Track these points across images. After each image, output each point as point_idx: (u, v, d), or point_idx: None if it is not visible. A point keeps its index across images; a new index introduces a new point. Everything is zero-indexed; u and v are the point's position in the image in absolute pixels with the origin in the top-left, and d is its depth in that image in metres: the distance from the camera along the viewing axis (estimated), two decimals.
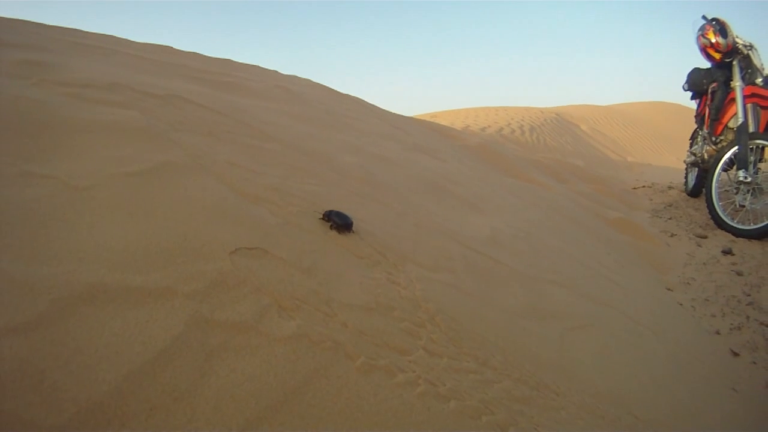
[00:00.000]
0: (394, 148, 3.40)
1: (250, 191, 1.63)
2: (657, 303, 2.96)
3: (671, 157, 13.98)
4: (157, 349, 0.91)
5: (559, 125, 13.23)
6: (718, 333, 2.86)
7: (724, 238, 4.43)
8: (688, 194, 5.90)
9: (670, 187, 6.51)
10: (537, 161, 6.25)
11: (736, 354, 2.65)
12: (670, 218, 5.23)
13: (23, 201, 1.16)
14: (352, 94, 5.74)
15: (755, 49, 4.94)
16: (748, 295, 3.32)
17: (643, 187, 6.86)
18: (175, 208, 1.34)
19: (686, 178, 6.09)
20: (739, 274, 3.70)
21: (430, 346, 1.27)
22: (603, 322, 2.12)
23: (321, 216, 1.66)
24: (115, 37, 4.18)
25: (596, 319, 2.11)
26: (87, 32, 4.16)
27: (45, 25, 3.86)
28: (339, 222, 1.64)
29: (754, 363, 2.57)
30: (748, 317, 3.03)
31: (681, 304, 3.20)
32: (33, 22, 3.90)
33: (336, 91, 5.42)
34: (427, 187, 2.73)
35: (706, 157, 5.25)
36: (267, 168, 1.91)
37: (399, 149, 3.45)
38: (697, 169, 5.67)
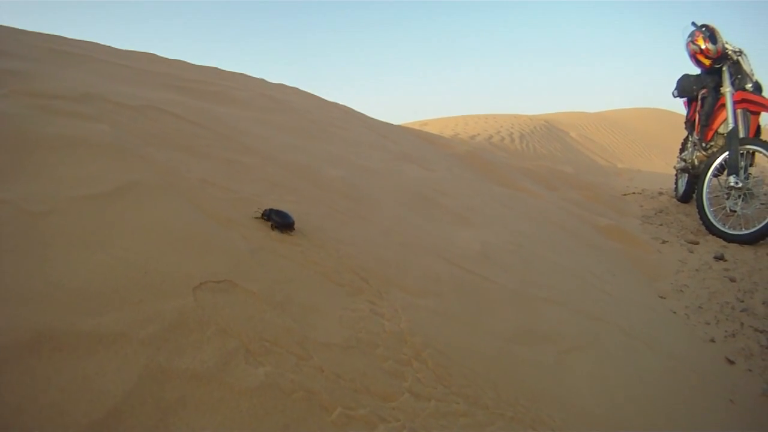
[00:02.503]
0: (381, 158, 3.31)
1: (222, 213, 1.52)
2: (650, 312, 2.90)
3: (661, 162, 14.01)
4: (106, 408, 0.80)
5: (549, 132, 13.22)
6: (713, 341, 2.80)
7: (716, 244, 4.39)
8: (679, 200, 5.88)
9: (660, 193, 6.48)
10: (527, 169, 6.18)
11: (731, 362, 2.60)
12: (661, 224, 5.19)
13: None
14: (341, 103, 5.66)
15: (745, 55, 4.94)
16: (742, 301, 3.28)
17: (633, 193, 6.82)
18: (138, 236, 1.24)
19: (676, 183, 6.06)
20: (732, 280, 3.65)
21: (416, 388, 1.17)
22: (597, 340, 2.04)
23: (260, 215, 1.58)
24: (96, 44, 4.07)
25: (590, 337, 2.02)
26: (68, 39, 4.05)
27: (25, 31, 3.76)
28: (279, 221, 1.57)
29: (750, 371, 2.52)
30: (742, 324, 2.98)
31: (674, 312, 3.14)
32: (12, 28, 3.80)
33: (323, 100, 5.33)
34: (414, 199, 2.64)
35: (696, 163, 5.22)
36: (243, 185, 1.80)
37: (386, 159, 3.36)
38: (687, 174, 5.65)
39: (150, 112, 2.18)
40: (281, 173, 2.10)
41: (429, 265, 1.85)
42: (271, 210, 1.59)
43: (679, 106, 5.85)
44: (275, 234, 1.54)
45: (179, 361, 0.94)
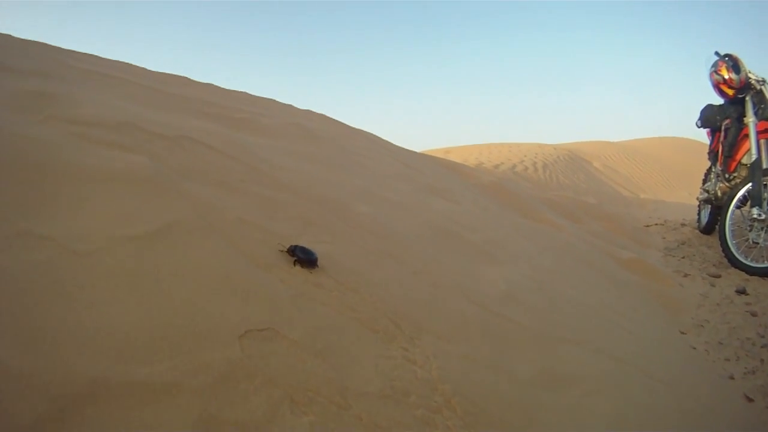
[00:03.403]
0: (407, 191, 3.38)
1: (261, 256, 1.58)
2: (670, 350, 2.89)
3: (683, 192, 13.86)
4: None
5: (572, 162, 13.22)
6: (732, 378, 2.77)
7: (737, 277, 4.35)
8: (701, 231, 5.82)
9: (683, 224, 6.43)
10: (550, 200, 6.21)
11: (750, 399, 2.58)
12: (683, 257, 5.16)
13: (20, 269, 1.10)
14: (365, 129, 5.74)
15: None
16: (763, 337, 3.24)
17: (656, 224, 6.77)
18: (182, 280, 1.28)
19: (699, 215, 6.02)
20: (754, 314, 3.62)
21: None
22: (617, 382, 2.07)
23: (285, 249, 1.64)
24: (131, 65, 4.21)
25: (610, 379, 2.05)
26: (103, 59, 4.18)
27: (60, 49, 3.88)
28: (303, 257, 1.62)
29: None
30: (762, 360, 2.94)
31: (695, 348, 3.13)
32: (49, 46, 3.92)
33: (349, 127, 5.43)
34: (440, 236, 2.69)
35: (719, 194, 5.18)
36: (278, 223, 1.87)
37: (411, 191, 3.42)
38: (710, 206, 5.59)
39: (184, 143, 2.25)
40: (313, 210, 2.16)
41: (457, 308, 1.90)
42: (296, 246, 1.65)
43: (703, 135, 5.81)
44: (313, 278, 1.59)
45: (230, 411, 0.99)
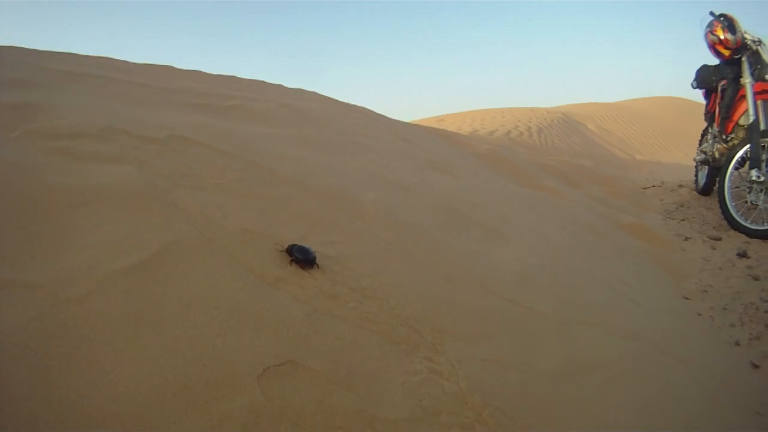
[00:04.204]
0: (409, 169, 3.30)
1: (269, 270, 1.49)
2: (677, 319, 2.89)
3: (679, 153, 13.87)
4: None
5: (567, 125, 13.16)
6: (737, 344, 2.80)
7: (738, 240, 4.37)
8: (699, 192, 5.82)
9: (680, 186, 6.43)
10: (547, 165, 6.15)
11: (756, 366, 2.61)
12: (683, 219, 5.16)
13: (10, 328, 1.01)
14: (358, 101, 5.65)
15: (764, 44, 4.82)
16: (766, 302, 3.26)
17: (654, 186, 6.77)
18: (186, 315, 1.18)
19: (696, 176, 6.00)
20: (756, 278, 3.64)
21: None
22: (635, 363, 2.05)
23: (283, 249, 1.60)
24: (112, 59, 4.06)
25: (628, 361, 2.02)
26: (82, 56, 4.02)
27: (38, 52, 3.75)
28: (301, 257, 1.58)
29: None
30: (766, 325, 2.97)
31: (700, 315, 3.15)
32: (26, 49, 3.78)
33: (343, 104, 5.31)
34: (448, 217, 2.62)
35: (717, 155, 5.17)
36: (284, 227, 1.78)
37: (413, 169, 3.35)
38: (707, 167, 5.58)
39: (175, 143, 2.13)
40: (319, 205, 2.07)
41: (475, 302, 1.85)
42: (293, 246, 1.60)
43: (698, 95, 5.76)
44: (327, 288, 1.52)
45: None
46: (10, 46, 3.80)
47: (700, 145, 5.83)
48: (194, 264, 1.36)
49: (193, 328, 1.16)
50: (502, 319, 1.83)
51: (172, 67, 4.42)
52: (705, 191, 5.72)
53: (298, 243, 1.63)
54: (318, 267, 1.61)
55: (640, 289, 3.06)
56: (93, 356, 1.02)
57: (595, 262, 3.13)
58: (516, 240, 2.74)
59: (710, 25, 5.05)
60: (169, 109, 2.80)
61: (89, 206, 1.46)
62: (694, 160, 5.85)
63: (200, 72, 4.46)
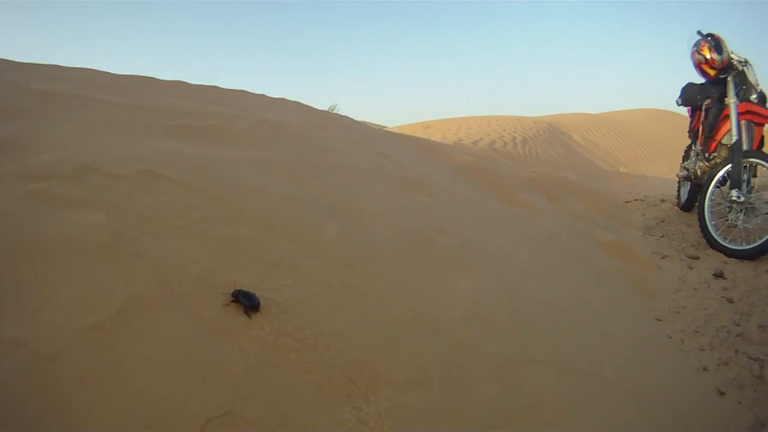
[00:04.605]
0: (381, 192, 3.34)
1: (221, 321, 1.57)
2: (643, 346, 2.92)
3: (663, 166, 13.88)
4: None
5: (552, 136, 13.16)
6: (705, 369, 2.84)
7: (716, 259, 4.42)
8: (681, 208, 5.90)
9: (662, 201, 6.49)
10: (529, 178, 6.19)
11: (722, 393, 2.63)
12: (662, 236, 5.21)
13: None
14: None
15: (750, 65, 4.89)
16: (738, 325, 3.31)
17: (636, 200, 6.83)
18: (146, 370, 1.29)
19: (679, 191, 6.07)
20: (730, 300, 3.68)
21: None
22: (580, 404, 2.08)
23: (231, 298, 1.67)
24: (94, 71, 4.09)
25: (571, 403, 2.06)
26: (65, 68, 4.06)
27: (20, 65, 3.76)
28: (247, 303, 1.66)
29: (740, 402, 2.55)
30: (736, 351, 3.01)
31: (670, 337, 3.18)
32: (8, 62, 3.80)
33: (323, 113, 5.33)
34: (412, 246, 2.68)
35: (699, 173, 5.24)
36: (242, 272, 1.85)
37: (385, 191, 3.38)
38: (689, 183, 5.65)
39: (144, 180, 2.20)
40: (278, 245, 2.13)
41: (419, 345, 1.91)
42: (239, 291, 1.68)
43: (684, 109, 5.82)
44: (272, 340, 1.59)
45: None
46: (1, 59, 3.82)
47: (683, 161, 5.89)
48: (154, 318, 1.46)
49: (150, 383, 1.27)
50: (443, 363, 1.89)
51: (153, 78, 4.44)
52: (686, 207, 5.78)
53: (245, 289, 1.71)
54: (259, 311, 1.69)
55: (608, 314, 3.08)
56: (68, 409, 1.14)
57: (563, 287, 3.16)
58: (478, 269, 2.77)
59: (697, 44, 5.10)
60: (144, 133, 2.85)
61: (61, 259, 1.54)
62: (677, 175, 5.92)
63: (182, 83, 4.48)
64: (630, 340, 2.93)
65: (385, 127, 8.75)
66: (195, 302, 1.60)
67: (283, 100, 5.10)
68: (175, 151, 2.67)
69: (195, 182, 2.35)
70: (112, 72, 4.38)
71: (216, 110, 3.75)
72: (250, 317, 1.64)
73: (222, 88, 4.72)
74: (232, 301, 1.66)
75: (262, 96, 4.97)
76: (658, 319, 3.47)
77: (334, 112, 6.51)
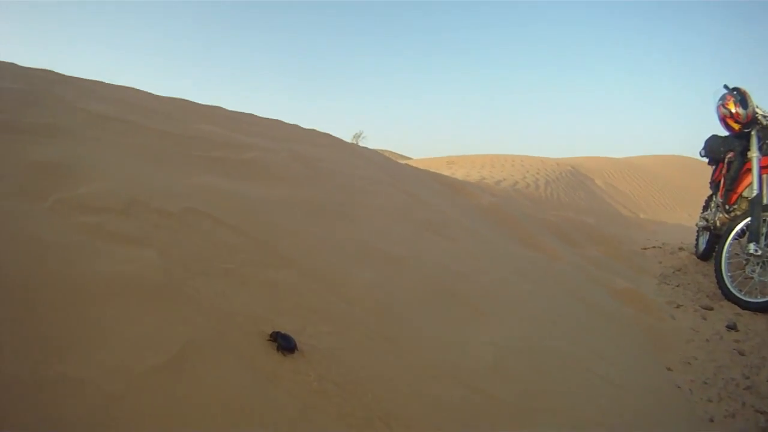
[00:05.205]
0: (406, 236, 3.47)
1: (269, 365, 1.68)
2: (653, 395, 2.95)
3: (683, 213, 13.78)
4: None
5: (574, 179, 13.17)
6: (711, 420, 2.88)
7: (730, 310, 4.45)
8: (699, 257, 5.91)
9: (680, 249, 6.50)
10: (548, 221, 6.27)
11: None
12: (677, 285, 5.25)
13: (69, 424, 1.18)
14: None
15: None
16: (747, 378, 3.35)
17: (653, 248, 6.85)
18: (206, 411, 1.38)
19: (697, 240, 6.08)
20: (741, 353, 3.72)
21: None
22: None
23: (269, 337, 1.80)
24: (136, 92, 4.25)
25: None
26: (111, 86, 4.22)
27: (66, 78, 3.90)
28: (285, 345, 1.77)
29: None
30: (744, 403, 3.06)
31: (679, 387, 3.22)
32: (55, 74, 3.97)
33: (353, 148, 5.48)
34: (435, 294, 2.80)
35: (718, 224, 5.26)
36: (286, 318, 1.97)
37: (410, 234, 3.51)
38: (708, 233, 5.68)
39: (189, 218, 2.33)
40: (316, 290, 2.26)
41: (444, 393, 2.02)
42: (278, 333, 1.80)
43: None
44: (317, 386, 1.71)
45: None
46: (37, 69, 3.98)
47: (703, 211, 5.90)
48: (209, 363, 1.55)
49: (209, 426, 1.35)
50: (465, 411, 1.99)
51: (192, 102, 4.60)
52: (704, 257, 5.80)
53: (286, 332, 1.84)
54: (297, 350, 1.81)
55: (619, 363, 3.15)
56: None
57: (576, 338, 3.24)
58: (497, 319, 2.89)
59: (723, 98, 5.13)
60: (187, 166, 3.00)
61: (119, 298, 1.63)
62: (696, 225, 5.93)
63: (219, 108, 4.65)
64: (640, 390, 2.99)
65: (410, 158, 8.88)
66: (244, 347, 1.71)
67: (315, 131, 5.25)
68: (216, 188, 2.82)
69: (238, 222, 2.49)
70: (154, 93, 4.55)
71: (251, 142, 3.93)
72: (284, 356, 1.76)
73: (256, 116, 4.87)
74: (269, 340, 1.79)
75: (295, 126, 5.13)
76: (669, 369, 3.51)
77: (360, 138, 6.66)
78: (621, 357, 3.29)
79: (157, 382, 1.39)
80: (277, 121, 5.07)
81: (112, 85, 4.40)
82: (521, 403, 2.23)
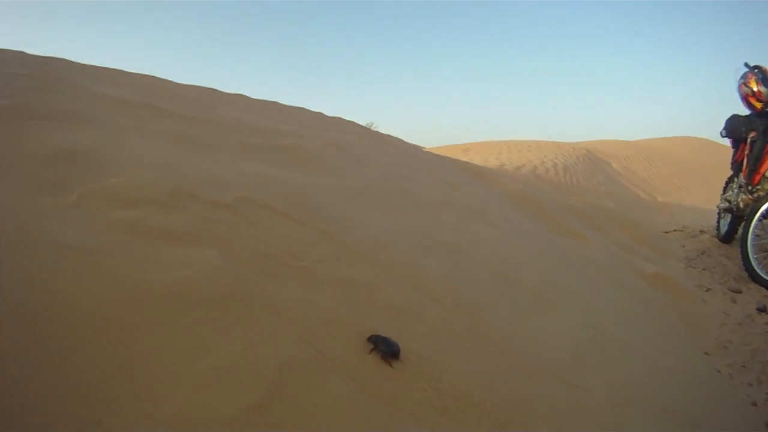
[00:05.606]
0: (455, 224, 3.37)
1: (380, 383, 1.48)
2: (696, 379, 2.95)
3: (700, 196, 13.81)
4: None
5: (591, 163, 13.17)
6: (754, 404, 2.87)
7: (758, 293, 4.44)
8: (721, 240, 5.85)
9: (701, 232, 6.47)
10: (573, 207, 6.24)
11: None
12: (703, 268, 5.22)
13: None
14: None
15: None
16: None
17: (675, 231, 6.85)
18: None
19: (718, 223, 6.04)
20: None
21: None
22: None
23: (370, 345, 1.57)
24: (156, 79, 4.12)
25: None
26: (127, 74, 4.07)
27: (83, 67, 3.77)
28: (386, 350, 1.55)
29: None
30: None
31: (719, 371, 3.22)
32: (67, 63, 3.79)
33: (379, 136, 5.40)
34: (498, 286, 2.70)
35: (741, 205, 5.19)
36: (376, 320, 1.77)
37: (458, 222, 3.39)
38: (730, 215, 5.64)
39: (246, 210, 2.05)
40: (397, 287, 2.08)
41: (544, 389, 1.94)
42: (378, 337, 1.58)
43: (724, 139, 5.82)
44: (437, 402, 1.53)
45: None
46: (49, 58, 3.79)
47: (724, 192, 5.83)
48: (313, 389, 1.29)
49: None
50: (564, 404, 1.91)
51: (215, 90, 4.49)
52: (726, 239, 5.75)
53: (385, 336, 1.61)
54: (399, 360, 1.59)
55: (661, 347, 3.13)
56: None
57: (628, 326, 3.21)
58: (563, 309, 2.82)
59: (744, 76, 5.07)
60: (225, 153, 2.81)
61: (180, 316, 1.30)
62: (718, 207, 5.88)
63: (243, 96, 4.54)
64: (686, 375, 3.00)
65: (422, 147, 8.82)
66: (348, 363, 1.48)
67: (340, 119, 5.15)
68: (266, 174, 2.60)
69: (296, 213, 2.25)
70: (174, 81, 4.44)
71: (284, 129, 3.77)
72: (391, 366, 1.54)
73: (280, 104, 4.78)
74: (372, 350, 1.56)
75: (320, 114, 5.03)
76: (707, 353, 3.52)
77: (372, 128, 6.61)
78: (667, 344, 3.27)
79: (255, 425, 1.11)
80: (301, 108, 4.96)
81: (130, 72, 4.26)
82: (601, 393, 2.15)
